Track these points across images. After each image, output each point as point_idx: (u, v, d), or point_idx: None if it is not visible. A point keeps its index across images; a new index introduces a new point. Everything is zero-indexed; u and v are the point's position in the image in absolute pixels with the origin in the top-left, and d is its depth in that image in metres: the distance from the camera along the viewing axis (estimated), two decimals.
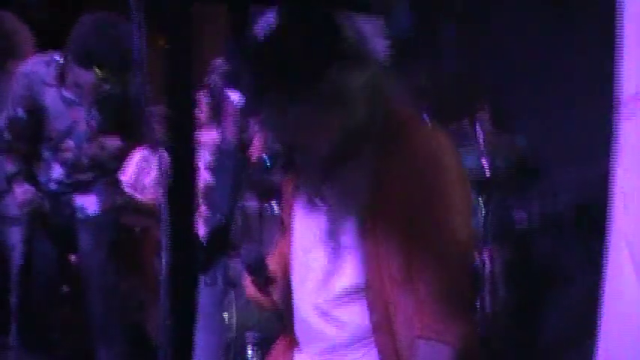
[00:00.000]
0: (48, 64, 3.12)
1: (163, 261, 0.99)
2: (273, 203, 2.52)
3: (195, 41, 1.10)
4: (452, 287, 1.56)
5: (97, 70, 2.98)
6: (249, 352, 2.18)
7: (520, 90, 3.83)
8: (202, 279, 1.02)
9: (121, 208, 3.40)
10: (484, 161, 3.14)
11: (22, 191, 3.11)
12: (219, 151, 1.20)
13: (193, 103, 1.13)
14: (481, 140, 3.24)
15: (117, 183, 3.39)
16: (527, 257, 3.18)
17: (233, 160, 1.24)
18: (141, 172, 4.59)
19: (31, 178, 3.17)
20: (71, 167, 3.17)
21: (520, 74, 3.85)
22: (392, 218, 1.58)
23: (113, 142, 3.22)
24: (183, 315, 1.08)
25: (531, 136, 3.59)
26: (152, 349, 3.66)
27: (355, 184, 1.64)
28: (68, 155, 3.15)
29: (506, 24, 3.96)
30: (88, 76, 3.02)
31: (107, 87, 3.05)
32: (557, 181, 3.41)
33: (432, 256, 1.56)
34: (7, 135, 3.12)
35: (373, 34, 1.59)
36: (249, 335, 2.18)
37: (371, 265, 1.58)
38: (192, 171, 1.05)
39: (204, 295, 1.10)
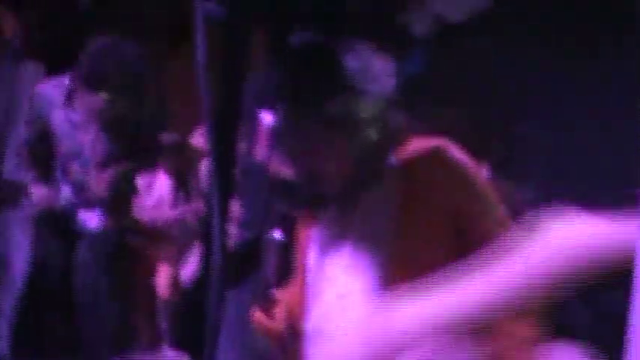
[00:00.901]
0: (58, 86, 3.17)
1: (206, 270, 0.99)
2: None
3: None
4: None
5: (104, 94, 3.00)
6: None
7: (529, 139, 3.85)
8: (230, 292, 1.02)
9: (124, 228, 3.39)
10: None
11: (39, 191, 3.10)
12: (250, 170, 1.21)
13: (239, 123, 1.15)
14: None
15: (125, 201, 3.36)
16: None
17: (263, 179, 1.25)
18: (143, 193, 4.59)
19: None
20: (78, 189, 3.17)
21: (529, 121, 3.87)
22: (427, 235, 1.58)
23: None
24: (210, 324, 1.08)
25: (539, 184, 3.59)
26: None
27: (373, 210, 1.66)
28: (74, 177, 3.15)
29: (519, 69, 4.00)
30: (95, 100, 3.04)
31: (115, 111, 3.06)
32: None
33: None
34: (22, 153, 3.14)
35: (381, 70, 1.64)
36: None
37: (399, 282, 1.57)
38: (230, 188, 1.05)
39: (231, 308, 1.11)
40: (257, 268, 1.27)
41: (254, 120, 1.27)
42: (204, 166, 4.16)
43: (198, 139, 4.22)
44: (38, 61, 3.38)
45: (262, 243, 1.28)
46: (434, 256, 1.56)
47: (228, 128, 1.04)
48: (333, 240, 1.71)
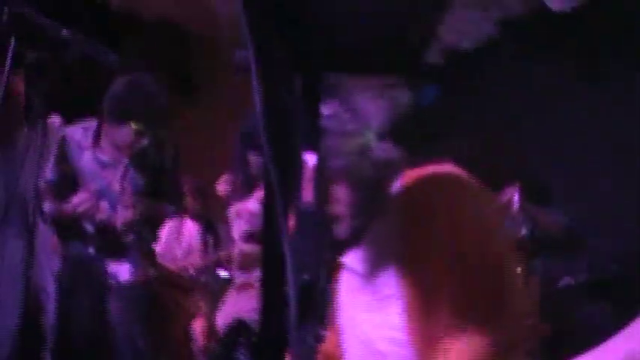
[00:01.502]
0: (84, 128, 3.23)
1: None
2: None
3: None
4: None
5: (133, 124, 3.07)
6: None
7: (559, 161, 3.86)
8: (292, 339, 1.03)
9: (154, 279, 3.40)
10: (523, 231, 3.16)
11: (79, 199, 3.12)
12: (300, 212, 1.23)
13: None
14: (517, 211, 3.27)
15: (152, 252, 3.38)
16: (573, 327, 3.15)
17: (314, 220, 1.27)
18: (172, 242, 4.62)
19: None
20: (105, 229, 3.19)
21: (559, 147, 3.89)
22: (433, 263, 1.59)
23: (144, 204, 3.23)
24: None
25: (572, 208, 3.60)
26: None
27: (382, 242, 1.67)
28: (102, 217, 3.17)
29: (542, 97, 4.03)
30: (124, 132, 3.11)
31: (144, 142, 3.12)
32: (603, 251, 3.40)
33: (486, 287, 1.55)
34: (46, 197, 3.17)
35: (366, 107, 1.66)
36: None
37: (416, 314, 1.58)
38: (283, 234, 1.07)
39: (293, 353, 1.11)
40: (312, 313, 1.28)
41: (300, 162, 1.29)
42: (231, 213, 4.17)
43: (222, 186, 4.25)
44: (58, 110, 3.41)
45: (316, 288, 1.29)
46: (438, 281, 1.56)
47: (282, 169, 1.06)
48: (352, 280, 1.74)
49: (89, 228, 3.19)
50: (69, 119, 3.30)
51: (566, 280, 3.15)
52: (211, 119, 5.60)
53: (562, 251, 3.30)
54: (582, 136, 3.85)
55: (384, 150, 1.68)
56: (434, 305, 1.56)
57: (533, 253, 3.07)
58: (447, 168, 1.71)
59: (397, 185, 1.69)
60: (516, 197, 3.25)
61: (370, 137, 1.66)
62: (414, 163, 1.74)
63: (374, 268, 1.69)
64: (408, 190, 1.67)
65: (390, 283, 1.63)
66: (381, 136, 1.67)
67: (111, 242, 3.20)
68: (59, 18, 2.07)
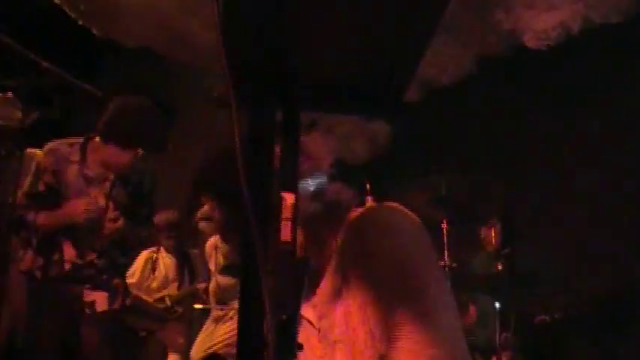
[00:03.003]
0: (71, 145, 3.22)
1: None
2: None
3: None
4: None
5: (138, 151, 3.09)
6: None
7: (538, 199, 3.89)
8: None
9: (129, 309, 3.37)
10: (499, 266, 3.18)
11: (84, 202, 3.10)
12: (278, 251, 1.22)
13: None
14: (494, 247, 3.29)
15: (126, 282, 3.35)
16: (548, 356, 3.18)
17: (292, 259, 1.26)
18: (147, 273, 4.57)
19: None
20: (84, 245, 3.16)
21: (540, 184, 3.93)
22: (361, 291, 1.54)
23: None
24: None
25: (549, 247, 3.63)
26: None
27: (330, 281, 1.65)
28: (82, 231, 3.15)
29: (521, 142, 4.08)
30: (125, 156, 3.11)
31: (137, 164, 3.14)
32: (578, 290, 3.44)
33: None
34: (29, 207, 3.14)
35: (320, 150, 1.68)
36: None
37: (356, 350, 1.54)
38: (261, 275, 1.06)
39: None
40: (289, 353, 1.26)
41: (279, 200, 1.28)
42: (208, 245, 4.14)
43: (200, 220, 4.21)
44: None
45: (293, 327, 1.28)
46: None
47: (260, 208, 1.06)
48: (306, 327, 1.75)
49: (71, 250, 3.16)
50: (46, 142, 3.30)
51: (541, 317, 3.17)
52: (188, 151, 5.57)
53: (538, 289, 3.32)
54: (562, 174, 3.89)
55: (335, 192, 1.70)
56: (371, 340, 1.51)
57: (508, 288, 3.09)
58: (387, 206, 1.71)
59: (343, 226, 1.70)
60: (494, 234, 3.28)
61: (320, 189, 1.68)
62: (362, 203, 1.74)
63: (321, 312, 1.69)
64: (344, 231, 1.65)
65: (334, 327, 1.63)
66: (332, 178, 1.69)
67: (90, 264, 3.17)
68: (39, 48, 2.07)
